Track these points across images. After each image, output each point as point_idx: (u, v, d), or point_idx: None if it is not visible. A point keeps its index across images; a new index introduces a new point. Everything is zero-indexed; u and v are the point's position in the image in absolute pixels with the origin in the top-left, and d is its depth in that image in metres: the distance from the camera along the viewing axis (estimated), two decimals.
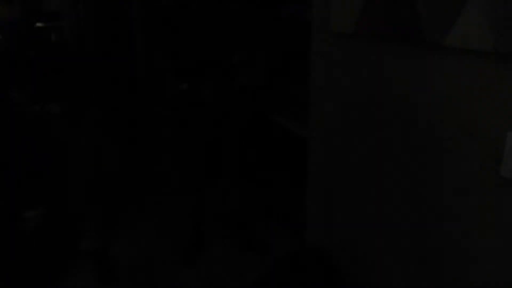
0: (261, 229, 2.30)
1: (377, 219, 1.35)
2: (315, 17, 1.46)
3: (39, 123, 1.66)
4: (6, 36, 1.51)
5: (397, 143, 1.22)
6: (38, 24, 1.95)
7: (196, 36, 1.63)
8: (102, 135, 2.09)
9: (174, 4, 1.61)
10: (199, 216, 2.09)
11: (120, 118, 2.60)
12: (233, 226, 2.20)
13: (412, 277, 1.25)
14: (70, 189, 1.79)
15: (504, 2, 0.86)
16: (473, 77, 0.97)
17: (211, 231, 2.28)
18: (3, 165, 1.56)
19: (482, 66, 0.93)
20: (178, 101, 1.88)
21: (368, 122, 1.32)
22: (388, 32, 1.16)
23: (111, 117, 2.38)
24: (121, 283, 1.77)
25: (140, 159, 2.83)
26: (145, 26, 2.63)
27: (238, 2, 1.61)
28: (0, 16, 1.49)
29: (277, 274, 1.55)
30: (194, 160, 1.85)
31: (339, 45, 1.37)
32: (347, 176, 1.46)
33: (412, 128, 1.16)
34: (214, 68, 1.67)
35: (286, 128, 2.21)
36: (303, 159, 1.75)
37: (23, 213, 1.65)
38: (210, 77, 1.67)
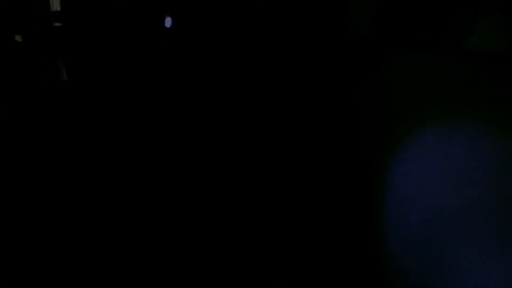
0: None
1: None
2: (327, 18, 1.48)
3: None
4: None
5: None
6: None
7: None
8: None
9: None
10: None
11: None
12: None
13: None
14: None
15: None
16: (490, 80, 1.00)
17: None
18: None
19: (499, 69, 0.97)
20: None
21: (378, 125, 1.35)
22: (403, 34, 1.18)
23: None
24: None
25: None
26: None
27: None
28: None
29: None
30: None
31: (353, 47, 1.39)
32: None
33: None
34: None
35: None
36: None
37: None
38: None
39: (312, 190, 1.70)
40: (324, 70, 1.68)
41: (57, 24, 1.65)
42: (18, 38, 1.67)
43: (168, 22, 1.75)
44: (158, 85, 1.85)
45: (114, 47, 1.77)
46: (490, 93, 0.97)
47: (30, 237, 1.72)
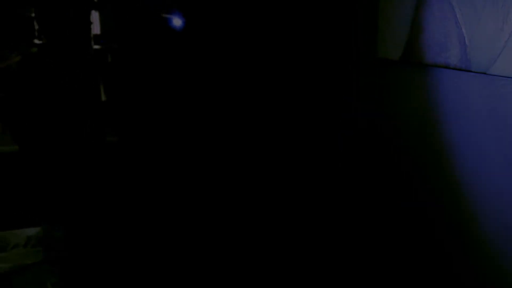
0: None
1: None
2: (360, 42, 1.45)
3: None
4: None
5: None
6: None
7: None
8: None
9: None
10: None
11: None
12: None
13: None
14: None
15: None
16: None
17: None
18: None
19: None
20: None
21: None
22: (434, 59, 1.13)
23: None
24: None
25: None
26: None
27: None
28: None
29: None
30: None
31: (385, 71, 1.34)
32: None
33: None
34: None
35: None
36: None
37: None
38: None
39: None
40: (353, 89, 1.63)
41: (97, 47, 1.73)
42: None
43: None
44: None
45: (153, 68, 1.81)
46: None
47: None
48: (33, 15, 1.69)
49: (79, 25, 1.66)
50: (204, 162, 1.87)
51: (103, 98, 1.86)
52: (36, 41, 1.71)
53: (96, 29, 1.73)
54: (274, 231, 1.76)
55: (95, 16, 1.74)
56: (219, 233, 1.78)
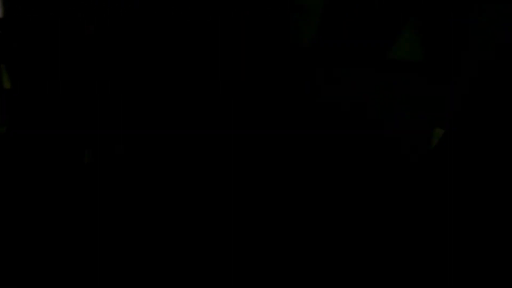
0: None
1: None
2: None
3: None
4: None
5: None
6: None
7: None
8: None
9: None
10: None
11: None
12: None
13: None
14: None
15: (431, 25, 1.06)
16: (407, 84, 1.16)
17: None
18: None
19: (415, 75, 1.10)
20: None
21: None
22: (342, 46, 1.30)
23: None
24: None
25: None
26: None
27: None
28: None
29: None
30: None
31: (298, 57, 1.50)
32: None
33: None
34: None
35: None
36: None
37: None
38: None
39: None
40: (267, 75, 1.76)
41: None
42: None
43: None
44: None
45: (58, 54, 1.74)
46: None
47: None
48: None
49: None
50: None
51: (7, 86, 1.74)
52: None
53: None
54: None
55: None
56: (218, 232, 1.78)
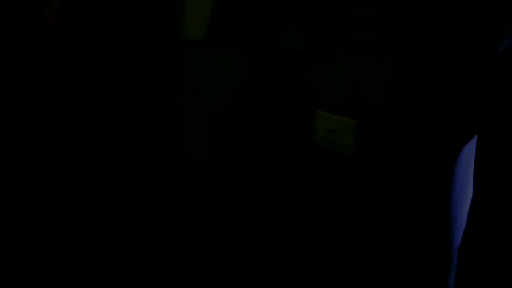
0: None
1: None
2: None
3: None
4: None
5: None
6: None
7: None
8: None
9: None
10: None
11: None
12: None
13: None
14: None
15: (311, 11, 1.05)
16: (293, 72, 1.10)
17: None
18: None
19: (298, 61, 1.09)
20: None
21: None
22: (231, 38, 1.26)
23: None
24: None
25: None
26: None
27: None
28: None
29: None
30: None
31: (193, 52, 1.36)
32: None
33: None
34: None
35: None
36: None
37: None
38: None
39: None
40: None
41: None
42: None
43: None
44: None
45: None
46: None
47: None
48: None
49: None
50: None
51: None
52: None
53: None
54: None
55: None
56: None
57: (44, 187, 1.89)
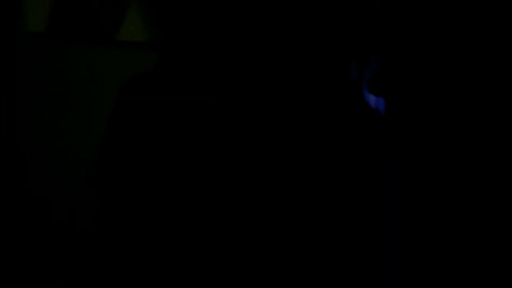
0: None
1: None
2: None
3: None
4: None
5: None
6: None
7: None
8: None
9: None
10: None
11: None
12: None
13: None
14: None
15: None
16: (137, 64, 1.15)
17: None
18: None
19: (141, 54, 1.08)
20: None
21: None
22: (73, 31, 1.24)
23: None
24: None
25: None
26: None
27: None
28: None
29: None
30: None
31: (35, 45, 1.35)
32: None
33: None
34: None
35: None
36: None
37: None
38: None
39: None
40: None
41: None
42: None
43: None
44: None
45: None
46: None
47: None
48: None
49: None
50: None
51: None
52: None
53: None
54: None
55: None
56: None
57: None
